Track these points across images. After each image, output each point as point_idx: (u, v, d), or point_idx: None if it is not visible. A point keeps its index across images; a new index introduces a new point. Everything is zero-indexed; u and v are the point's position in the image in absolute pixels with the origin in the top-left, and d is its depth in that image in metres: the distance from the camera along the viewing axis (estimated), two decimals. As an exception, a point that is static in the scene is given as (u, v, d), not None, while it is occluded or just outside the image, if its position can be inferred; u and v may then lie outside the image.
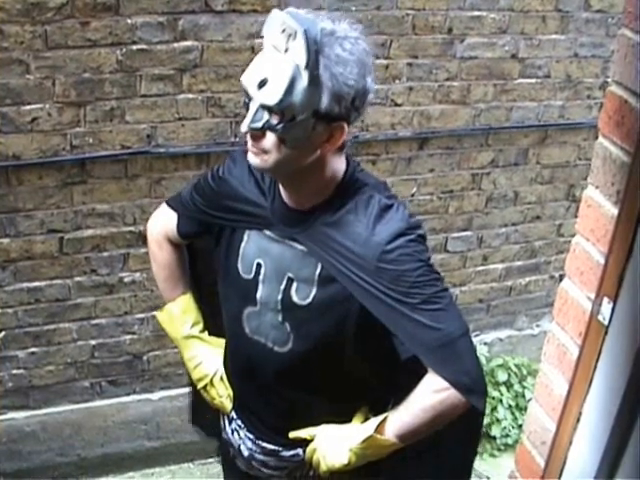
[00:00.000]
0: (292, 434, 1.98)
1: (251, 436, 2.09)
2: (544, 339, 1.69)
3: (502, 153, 3.74)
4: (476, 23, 3.38)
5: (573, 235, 1.56)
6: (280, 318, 1.89)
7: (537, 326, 4.27)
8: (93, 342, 3.37)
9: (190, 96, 3.05)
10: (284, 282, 1.86)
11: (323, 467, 1.92)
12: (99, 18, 2.80)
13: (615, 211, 1.40)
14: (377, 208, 1.79)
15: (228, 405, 2.16)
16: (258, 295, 1.91)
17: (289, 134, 1.67)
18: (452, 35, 3.37)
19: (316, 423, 1.95)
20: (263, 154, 1.71)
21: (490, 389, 3.87)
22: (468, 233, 3.84)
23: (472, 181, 3.75)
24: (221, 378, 2.16)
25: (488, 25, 3.41)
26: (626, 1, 1.37)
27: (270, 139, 1.69)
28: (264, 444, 2.07)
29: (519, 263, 4.07)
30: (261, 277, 1.90)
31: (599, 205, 1.45)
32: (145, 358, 3.50)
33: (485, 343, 4.14)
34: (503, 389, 4.01)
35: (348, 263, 1.77)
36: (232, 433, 2.16)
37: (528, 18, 3.47)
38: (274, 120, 1.66)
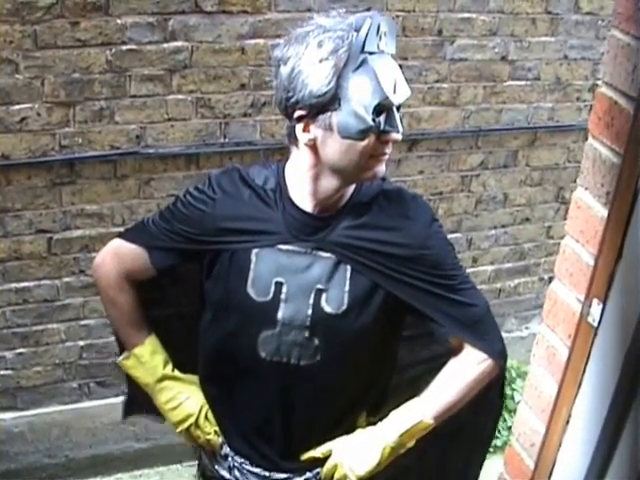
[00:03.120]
0: (306, 455, 1.90)
1: (258, 470, 1.96)
2: (533, 341, 1.70)
3: (492, 155, 3.75)
4: (466, 25, 3.39)
5: (562, 237, 1.57)
6: (307, 334, 1.78)
7: (526, 328, 4.27)
8: (81, 343, 3.35)
9: (180, 97, 3.04)
10: (312, 295, 1.77)
11: (353, 479, 1.84)
12: (89, 18, 2.79)
13: (605, 212, 1.40)
14: (406, 197, 1.83)
15: (217, 441, 2.03)
16: (279, 316, 1.78)
17: None
18: (442, 37, 3.37)
19: (324, 440, 1.89)
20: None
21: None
22: (457, 235, 3.84)
23: (461, 183, 3.75)
24: (206, 415, 2.02)
25: (478, 27, 3.42)
26: (616, 2, 1.37)
27: None
28: (277, 474, 1.95)
29: (508, 265, 4.08)
30: (283, 296, 1.77)
31: (589, 206, 1.45)
32: (134, 359, 3.47)
33: (474, 345, 4.13)
34: (492, 391, 4.00)
35: (381, 258, 1.76)
36: (230, 471, 2.03)
37: (518, 20, 3.48)
38: None
